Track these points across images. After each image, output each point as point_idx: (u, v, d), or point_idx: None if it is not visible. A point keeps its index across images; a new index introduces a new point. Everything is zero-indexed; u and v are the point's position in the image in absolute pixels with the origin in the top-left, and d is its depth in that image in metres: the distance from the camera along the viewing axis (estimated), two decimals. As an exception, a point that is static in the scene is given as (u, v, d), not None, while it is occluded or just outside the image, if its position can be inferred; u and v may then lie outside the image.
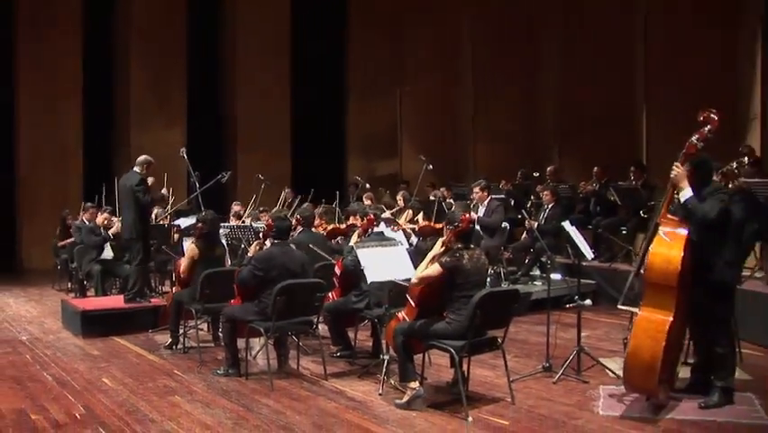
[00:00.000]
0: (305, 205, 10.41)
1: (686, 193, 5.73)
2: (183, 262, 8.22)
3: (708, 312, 5.83)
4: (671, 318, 5.54)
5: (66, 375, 7.17)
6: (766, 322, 7.90)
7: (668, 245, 5.64)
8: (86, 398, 6.42)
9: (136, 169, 9.44)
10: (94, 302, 9.82)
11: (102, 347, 8.38)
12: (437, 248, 6.07)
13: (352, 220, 8.38)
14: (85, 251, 11.04)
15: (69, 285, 12.28)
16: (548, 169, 12.99)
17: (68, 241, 12.26)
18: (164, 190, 9.78)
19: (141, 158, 9.56)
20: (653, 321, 5.58)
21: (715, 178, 6.19)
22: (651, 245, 5.75)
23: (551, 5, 15.53)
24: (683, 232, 5.67)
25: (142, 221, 9.44)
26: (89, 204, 12.10)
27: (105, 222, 11.12)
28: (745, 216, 6.15)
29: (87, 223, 11.47)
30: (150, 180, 9.52)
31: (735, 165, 8.20)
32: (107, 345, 8.52)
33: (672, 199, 5.99)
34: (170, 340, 8.26)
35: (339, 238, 9.24)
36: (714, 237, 5.73)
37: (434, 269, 5.93)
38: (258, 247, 7.42)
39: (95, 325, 8.96)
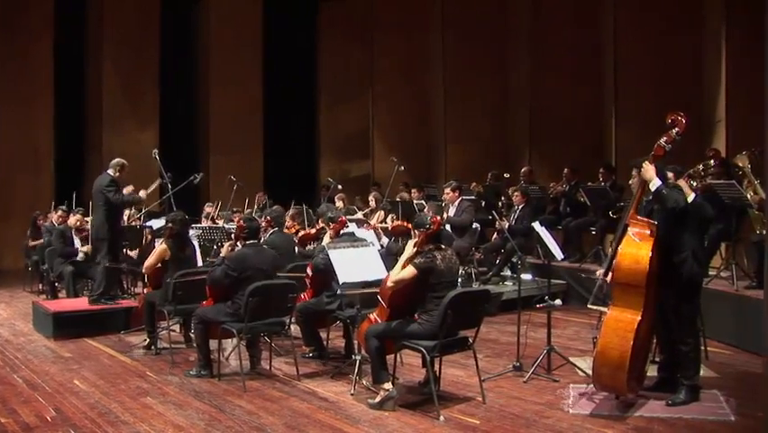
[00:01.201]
0: (274, 207, 10.33)
1: (656, 183, 5.80)
2: (149, 259, 8.13)
3: (675, 311, 5.89)
4: (639, 318, 5.59)
5: (37, 378, 7.08)
6: (731, 321, 7.98)
7: (636, 246, 5.69)
8: (58, 400, 6.35)
9: (109, 171, 9.48)
10: (65, 304, 9.71)
11: (73, 349, 8.29)
12: (409, 250, 6.07)
13: (321, 223, 8.35)
14: (56, 252, 10.91)
15: (40, 287, 12.14)
16: (522, 170, 13.02)
17: (38, 242, 12.14)
18: (143, 192, 9.69)
19: (115, 160, 9.60)
20: (621, 320, 5.63)
21: (682, 181, 6.26)
22: (619, 246, 5.80)
23: (521, 8, 15.57)
24: (653, 233, 5.72)
25: (110, 221, 9.36)
26: (61, 207, 11.95)
27: (78, 223, 10.98)
28: (711, 215, 6.22)
29: (57, 225, 11.33)
30: (129, 188, 9.56)
31: (701, 167, 8.29)
32: (79, 346, 8.43)
33: (640, 200, 6.05)
34: (147, 341, 8.19)
35: (312, 244, 9.21)
36: (682, 233, 5.80)
37: (409, 271, 5.93)
38: (230, 248, 7.38)
39: (66, 326, 8.86)
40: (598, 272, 6.23)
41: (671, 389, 5.96)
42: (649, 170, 5.85)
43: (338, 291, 7.07)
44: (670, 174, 6.14)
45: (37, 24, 15.80)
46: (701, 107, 11.60)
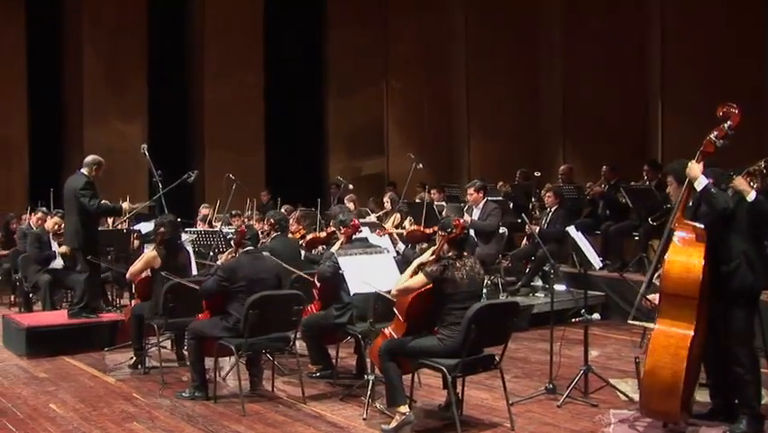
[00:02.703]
0: (282, 207, 10.36)
1: (702, 181, 5.72)
2: (135, 265, 8.17)
3: (727, 326, 5.83)
4: (692, 333, 5.52)
5: (6, 402, 7.08)
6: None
7: (686, 253, 5.64)
8: (31, 427, 6.35)
9: (83, 170, 9.23)
10: (40, 317, 9.75)
11: (50, 369, 8.31)
12: (426, 256, 6.07)
13: (332, 227, 8.37)
14: (31, 259, 10.95)
15: (13, 298, 12.18)
16: (561, 168, 12.99)
17: (8, 252, 12.23)
18: (126, 204, 9.59)
19: (89, 158, 9.37)
20: (672, 336, 5.56)
21: (740, 178, 6.17)
22: (667, 252, 5.76)
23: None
24: (702, 238, 5.69)
25: (86, 228, 9.19)
26: (42, 209, 12.00)
27: (56, 227, 11.02)
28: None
29: (34, 228, 11.38)
30: (126, 204, 9.47)
31: (762, 164, 8.21)
32: (56, 366, 8.45)
33: (688, 201, 5.99)
34: (134, 359, 8.22)
35: (321, 248, 9.23)
36: (733, 239, 5.75)
37: (419, 279, 5.94)
38: (230, 256, 7.38)
39: (41, 343, 8.88)
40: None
41: (728, 417, 5.88)
42: (694, 167, 5.80)
43: (347, 300, 7.11)
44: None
45: (7, 2, 15.89)
46: (763, 95, 11.51)
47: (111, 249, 10.50)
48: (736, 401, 5.86)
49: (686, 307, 5.58)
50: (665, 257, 5.75)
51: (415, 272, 6.02)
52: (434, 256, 6.02)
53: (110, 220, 11.70)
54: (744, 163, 6.57)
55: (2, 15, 15.82)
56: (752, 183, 6.47)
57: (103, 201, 9.29)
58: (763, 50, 11.78)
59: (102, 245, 9.93)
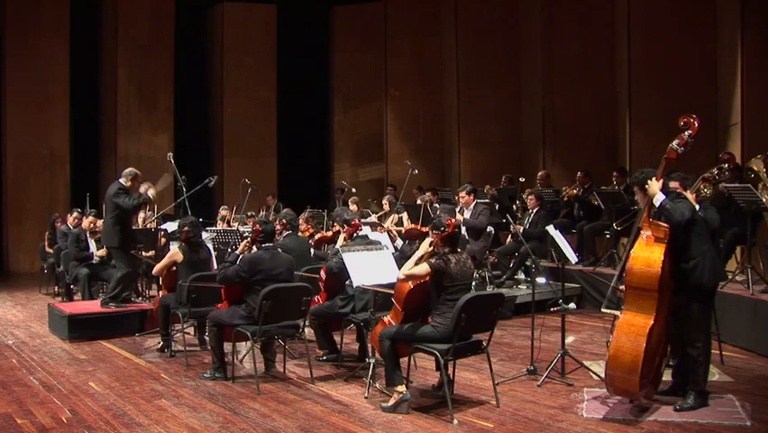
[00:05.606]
0: (285, 210, 10.35)
1: (659, 198, 5.79)
2: (160, 262, 8.27)
3: (686, 314, 5.86)
4: (651, 321, 5.58)
5: (52, 379, 7.13)
6: (747, 325, 7.94)
7: (649, 249, 5.68)
8: (73, 402, 6.39)
9: (121, 179, 9.46)
10: (80, 306, 9.76)
11: (89, 351, 8.35)
12: (425, 247, 6.09)
13: (336, 226, 8.38)
14: (71, 256, 10.97)
15: (56, 289, 12.23)
16: (539, 174, 13.00)
17: (53, 249, 12.27)
18: (151, 191, 9.65)
19: (127, 170, 9.58)
20: (633, 324, 5.62)
21: (688, 193, 6.20)
22: (632, 249, 5.79)
23: (533, 11, 15.50)
24: (666, 236, 5.70)
25: (118, 227, 9.31)
26: (77, 209, 12.03)
27: (91, 225, 11.04)
28: (717, 226, 6.19)
29: (72, 229, 11.42)
30: (144, 186, 9.50)
31: (715, 171, 8.25)
32: (94, 348, 8.49)
33: (652, 206, 6.01)
34: (161, 343, 8.25)
35: (326, 246, 9.22)
36: (691, 241, 5.78)
37: (423, 268, 5.95)
38: (245, 247, 7.32)
39: (81, 329, 8.93)
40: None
41: (684, 393, 5.94)
42: (653, 185, 5.84)
43: (351, 292, 7.11)
44: (675, 183, 6.10)
45: (53, 28, 16.03)
46: (716, 110, 11.53)
47: (140, 246, 10.53)
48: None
49: (647, 298, 5.63)
50: (630, 253, 5.78)
51: (418, 262, 6.03)
52: (431, 248, 6.03)
53: (140, 219, 11.72)
54: (699, 170, 6.62)
55: (47, 39, 15.89)
56: (705, 188, 6.50)
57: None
58: (714, 68, 11.81)
59: (135, 242, 9.99)
